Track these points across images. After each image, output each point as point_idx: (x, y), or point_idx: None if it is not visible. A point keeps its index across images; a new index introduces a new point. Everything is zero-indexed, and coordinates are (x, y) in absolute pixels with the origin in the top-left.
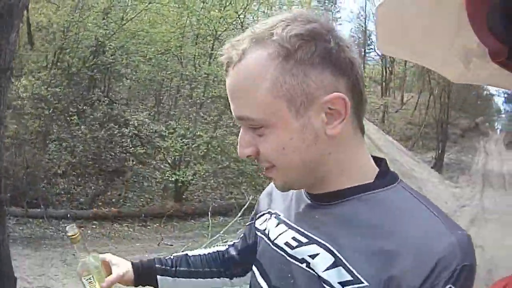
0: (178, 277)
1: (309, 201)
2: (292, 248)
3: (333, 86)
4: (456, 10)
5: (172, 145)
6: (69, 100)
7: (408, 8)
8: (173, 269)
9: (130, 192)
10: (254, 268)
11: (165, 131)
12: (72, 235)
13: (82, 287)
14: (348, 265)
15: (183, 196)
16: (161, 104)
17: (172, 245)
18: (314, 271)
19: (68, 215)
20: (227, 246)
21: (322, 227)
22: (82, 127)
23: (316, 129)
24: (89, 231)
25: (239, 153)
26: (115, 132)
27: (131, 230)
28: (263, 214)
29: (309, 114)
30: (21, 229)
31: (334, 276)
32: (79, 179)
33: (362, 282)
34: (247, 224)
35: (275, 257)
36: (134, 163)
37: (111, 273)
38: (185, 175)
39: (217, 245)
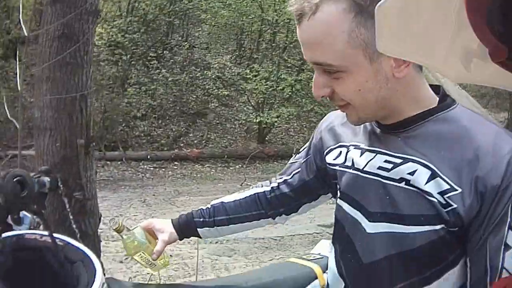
0: (217, 226)
1: (381, 130)
2: (388, 170)
3: None
4: (456, 10)
5: (256, 87)
6: (147, 46)
7: (408, 8)
8: (211, 219)
9: (212, 133)
10: (340, 202)
11: (249, 74)
12: (117, 228)
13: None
14: (443, 176)
15: (266, 138)
16: (243, 48)
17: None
18: (414, 186)
19: (148, 157)
20: (275, 184)
21: (410, 147)
22: (163, 70)
23: (386, 72)
24: (170, 172)
25: (314, 94)
26: (197, 75)
27: (213, 170)
28: (333, 148)
29: (381, 60)
30: (99, 171)
31: (433, 187)
32: (160, 122)
33: (457, 189)
34: (297, 161)
35: (369, 184)
36: (216, 105)
37: (156, 238)
38: (269, 117)
39: (252, 187)
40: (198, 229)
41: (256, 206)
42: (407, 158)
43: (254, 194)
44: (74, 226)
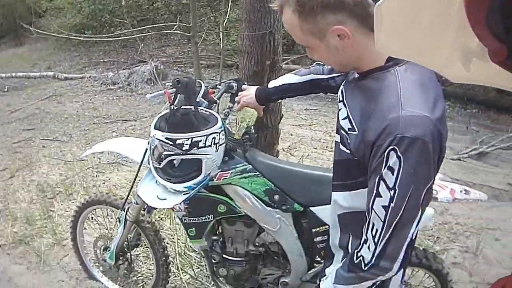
0: (287, 98)
1: (356, 76)
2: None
3: (336, 20)
4: (456, 10)
5: None
6: None
7: (407, 7)
8: (283, 95)
9: None
10: None
11: None
12: (242, 125)
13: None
14: (351, 118)
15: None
16: None
17: (478, 131)
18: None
19: None
20: (327, 77)
21: (351, 93)
22: None
23: (336, 45)
24: None
25: (310, 57)
26: None
27: (450, 109)
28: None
29: (327, 39)
30: None
31: (345, 124)
32: None
33: (355, 130)
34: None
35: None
36: None
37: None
38: None
39: (310, 72)
40: (273, 101)
41: (314, 88)
42: (343, 100)
43: (314, 79)
44: None
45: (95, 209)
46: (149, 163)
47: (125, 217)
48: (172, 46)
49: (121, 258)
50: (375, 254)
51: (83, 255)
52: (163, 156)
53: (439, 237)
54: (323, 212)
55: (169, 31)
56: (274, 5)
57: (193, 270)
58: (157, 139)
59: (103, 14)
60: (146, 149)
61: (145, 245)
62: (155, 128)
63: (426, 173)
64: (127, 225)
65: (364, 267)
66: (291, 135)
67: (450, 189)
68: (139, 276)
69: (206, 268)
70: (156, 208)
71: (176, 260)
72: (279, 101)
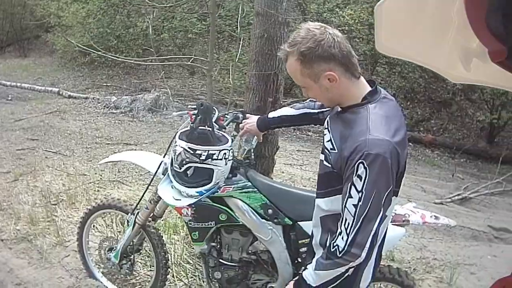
0: (284, 127)
1: (339, 110)
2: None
3: (327, 67)
4: (456, 10)
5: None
6: None
7: (407, 8)
8: (280, 124)
9: (451, 124)
10: None
11: None
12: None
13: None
14: (333, 140)
15: (495, 140)
16: None
17: (463, 179)
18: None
19: None
20: (317, 111)
21: (334, 122)
22: None
23: (326, 86)
24: None
25: (305, 95)
26: None
27: (437, 158)
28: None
29: (320, 81)
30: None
31: (328, 145)
32: (408, 103)
33: (335, 150)
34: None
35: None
36: (462, 98)
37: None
38: (500, 118)
39: (304, 106)
40: (272, 129)
41: (306, 120)
42: (327, 127)
43: (307, 113)
44: None
45: (104, 213)
46: (167, 171)
47: (135, 220)
48: (173, 78)
49: (124, 258)
50: (347, 242)
51: (86, 255)
52: (184, 162)
53: (415, 269)
54: (309, 226)
55: (173, 63)
56: (280, 53)
57: (187, 278)
58: (182, 147)
59: (110, 38)
60: (161, 162)
61: (145, 252)
62: (179, 139)
63: (385, 181)
64: (135, 228)
65: (339, 254)
66: (283, 172)
67: (421, 214)
68: (137, 279)
69: (199, 278)
70: (161, 217)
71: (172, 269)
72: (277, 132)
